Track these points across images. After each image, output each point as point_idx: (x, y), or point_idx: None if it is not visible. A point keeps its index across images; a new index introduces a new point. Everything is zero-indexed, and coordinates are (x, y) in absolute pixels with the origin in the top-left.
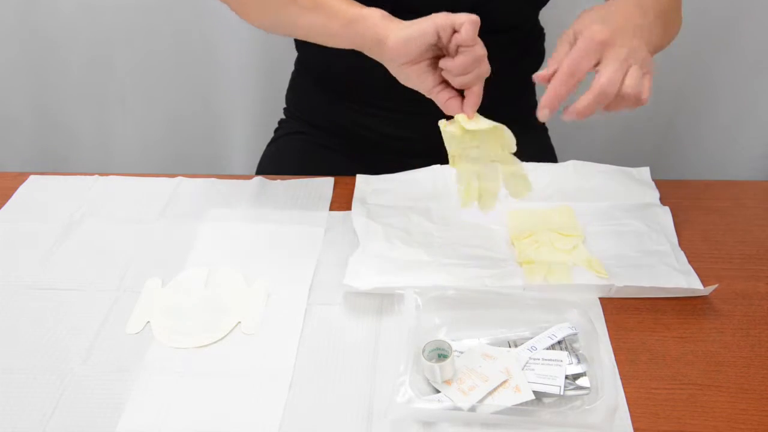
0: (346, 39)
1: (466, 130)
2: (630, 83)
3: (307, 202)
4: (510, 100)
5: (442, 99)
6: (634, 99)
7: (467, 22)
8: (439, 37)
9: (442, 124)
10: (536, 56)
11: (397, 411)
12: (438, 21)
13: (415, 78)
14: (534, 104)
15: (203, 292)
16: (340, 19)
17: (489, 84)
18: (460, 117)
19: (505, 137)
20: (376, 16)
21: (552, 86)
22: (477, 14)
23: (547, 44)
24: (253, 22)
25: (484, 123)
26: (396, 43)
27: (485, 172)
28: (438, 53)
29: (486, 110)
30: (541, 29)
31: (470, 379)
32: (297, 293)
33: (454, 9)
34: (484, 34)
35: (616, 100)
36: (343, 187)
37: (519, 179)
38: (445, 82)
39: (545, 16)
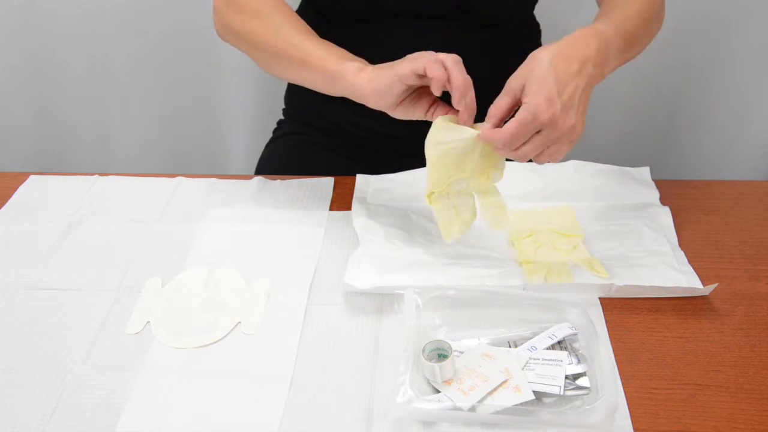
0: (334, 93)
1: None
2: (543, 158)
3: (307, 202)
4: None
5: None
6: (541, 163)
7: (428, 67)
8: (408, 84)
9: (439, 122)
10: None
11: (397, 411)
12: (399, 72)
13: (405, 114)
14: None
15: (203, 292)
16: (324, 77)
17: (484, 81)
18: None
19: (498, 165)
20: (351, 72)
21: (487, 137)
22: (464, 7)
23: (543, 40)
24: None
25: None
26: (372, 98)
27: (460, 203)
28: (419, 87)
29: (482, 109)
30: (537, 24)
31: (470, 379)
32: (297, 293)
33: (441, 4)
34: (474, 29)
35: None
36: (343, 187)
37: (499, 210)
38: (436, 101)
39: (541, 11)
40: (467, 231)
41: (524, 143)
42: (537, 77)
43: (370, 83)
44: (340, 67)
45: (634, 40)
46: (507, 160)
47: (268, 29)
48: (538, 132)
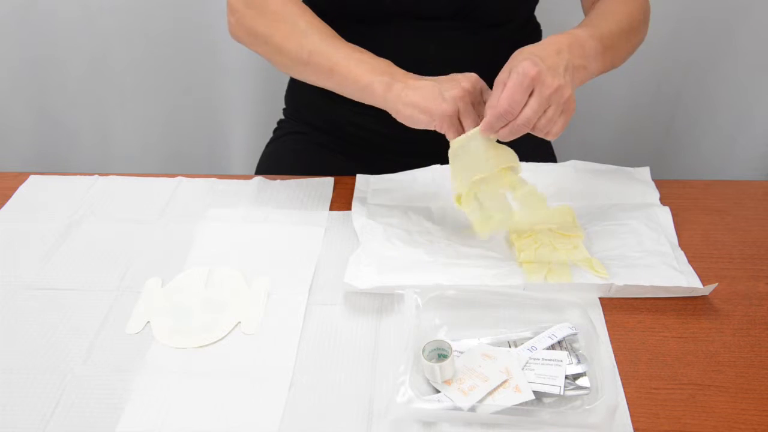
0: (362, 101)
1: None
2: (542, 123)
3: (307, 202)
4: None
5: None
6: (543, 134)
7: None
8: None
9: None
10: None
11: (397, 411)
12: (445, 115)
13: (430, 127)
14: None
15: (203, 292)
16: (351, 86)
17: (485, 82)
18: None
19: (510, 156)
20: (381, 88)
21: (488, 122)
22: (465, 9)
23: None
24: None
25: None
26: (409, 121)
27: (492, 206)
28: None
29: None
30: (537, 24)
31: (470, 379)
32: (297, 293)
33: (441, 5)
34: (474, 29)
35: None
36: (343, 187)
37: (533, 197)
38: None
39: (541, 12)
40: (502, 228)
41: (522, 108)
42: (521, 60)
43: (408, 108)
44: (369, 81)
45: (613, 45)
46: (509, 145)
47: (293, 34)
48: (531, 95)
